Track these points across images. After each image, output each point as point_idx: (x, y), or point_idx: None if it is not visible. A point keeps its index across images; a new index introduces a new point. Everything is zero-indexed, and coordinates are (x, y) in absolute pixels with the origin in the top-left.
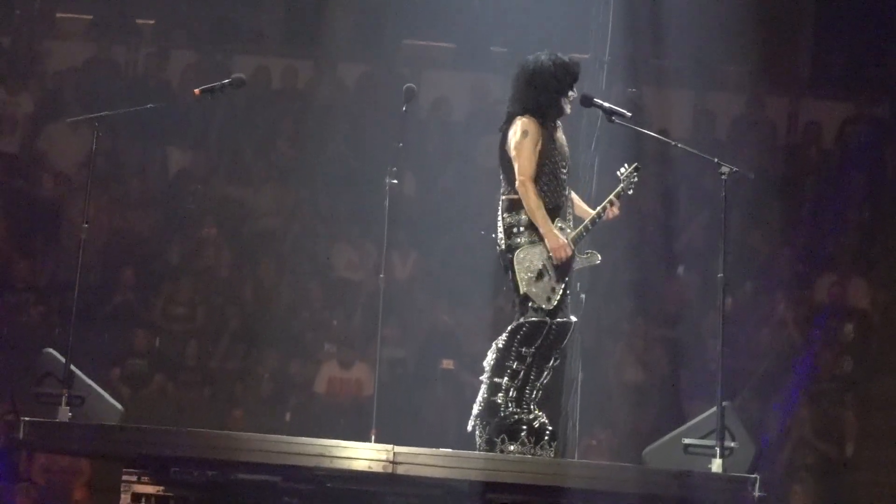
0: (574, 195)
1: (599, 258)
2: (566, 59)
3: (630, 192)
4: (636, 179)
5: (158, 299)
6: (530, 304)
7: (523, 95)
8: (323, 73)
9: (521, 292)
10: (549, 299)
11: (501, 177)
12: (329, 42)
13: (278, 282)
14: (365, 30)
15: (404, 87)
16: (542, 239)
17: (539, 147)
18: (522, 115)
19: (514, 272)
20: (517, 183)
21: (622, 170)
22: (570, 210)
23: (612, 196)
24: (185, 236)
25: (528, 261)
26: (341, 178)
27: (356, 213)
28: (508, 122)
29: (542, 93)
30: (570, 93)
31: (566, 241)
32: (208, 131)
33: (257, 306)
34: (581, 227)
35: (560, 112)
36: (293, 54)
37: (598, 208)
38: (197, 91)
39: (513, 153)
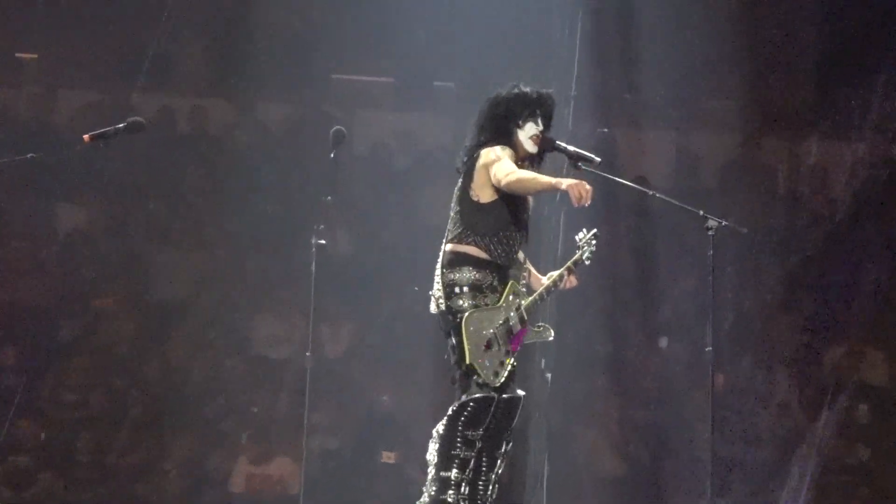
0: (527, 262)
1: (552, 334)
2: (528, 88)
3: (587, 262)
4: (594, 247)
5: (45, 383)
6: (475, 378)
7: (479, 129)
8: (239, 114)
9: (467, 363)
10: (496, 374)
11: (449, 225)
12: (246, 78)
13: (189, 360)
14: (288, 63)
15: (332, 129)
16: (489, 302)
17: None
18: (486, 146)
19: (459, 339)
20: (504, 182)
21: (580, 234)
22: (524, 271)
23: (569, 263)
24: (77, 308)
25: (477, 326)
26: (265, 236)
27: (282, 278)
28: (470, 158)
29: (494, 122)
30: (530, 125)
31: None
32: (104, 184)
33: (164, 389)
34: (535, 294)
35: (507, 143)
36: (203, 92)
37: (555, 275)
38: (87, 137)
39: (492, 171)
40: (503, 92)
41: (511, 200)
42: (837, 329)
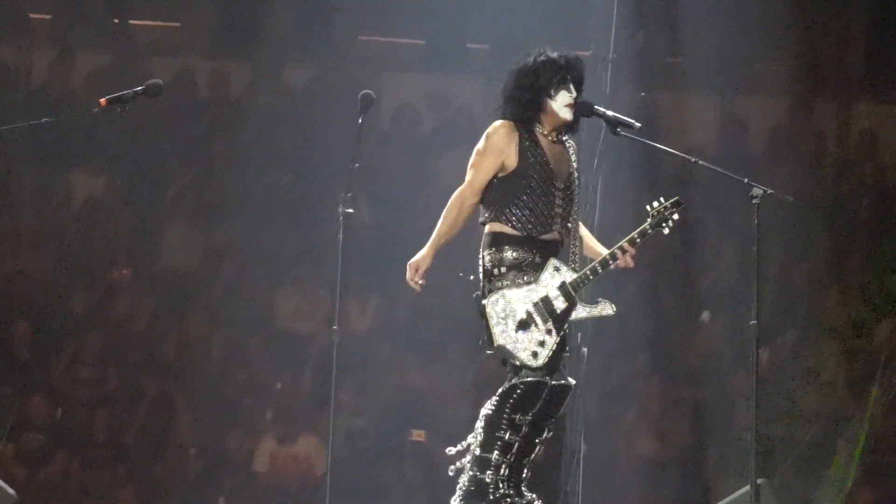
0: (584, 231)
1: (613, 309)
2: (556, 54)
3: (665, 231)
4: (675, 218)
5: (60, 359)
6: (512, 362)
7: (506, 99)
8: (262, 77)
9: (496, 345)
10: (534, 354)
11: (481, 204)
12: (268, 39)
13: (208, 336)
14: (313, 24)
15: (360, 93)
16: (531, 281)
17: (510, 160)
18: (511, 117)
19: (486, 321)
20: (460, 190)
21: (655, 204)
22: (575, 245)
23: (634, 234)
24: (92, 281)
25: (507, 306)
26: (285, 206)
27: (303, 249)
28: None
29: (523, 93)
30: (563, 93)
31: (419, 261)
32: (121, 151)
33: (182, 366)
34: (586, 269)
35: (536, 116)
36: (224, 55)
37: (609, 252)
38: (103, 101)
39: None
40: (529, 59)
41: (528, 168)
42: (888, 301)
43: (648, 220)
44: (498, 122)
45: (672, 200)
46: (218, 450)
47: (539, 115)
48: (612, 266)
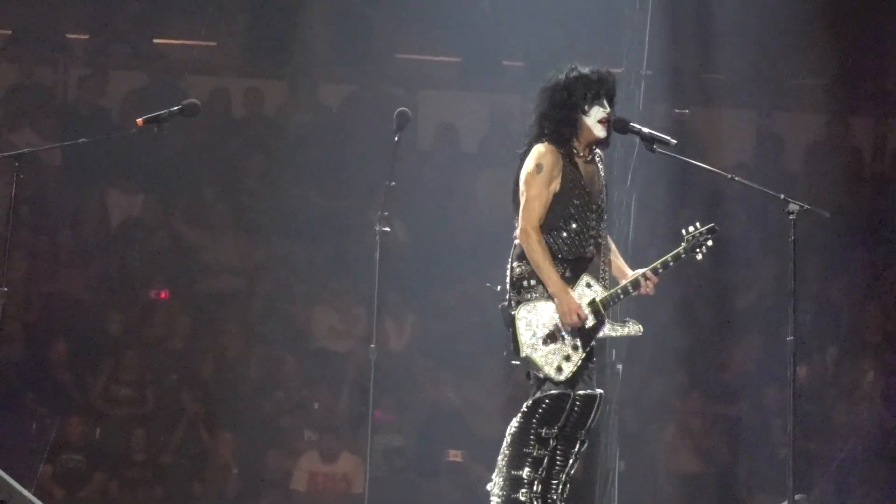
0: (612, 246)
1: (640, 329)
2: (588, 69)
3: (699, 257)
4: (709, 244)
5: (98, 379)
6: (535, 373)
7: (540, 117)
8: (297, 95)
9: (522, 355)
10: (559, 369)
11: (515, 218)
12: (304, 58)
13: (246, 354)
14: (349, 42)
15: (396, 111)
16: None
17: (555, 183)
18: (540, 140)
19: (513, 330)
20: (518, 230)
21: (691, 228)
22: (605, 262)
23: (668, 258)
24: (130, 300)
25: (536, 318)
26: (321, 224)
27: (340, 268)
28: (527, 150)
29: (557, 111)
30: (596, 109)
31: (578, 303)
32: (157, 170)
33: (220, 385)
34: (616, 288)
35: (573, 133)
36: (259, 73)
37: (633, 276)
38: (140, 121)
39: (521, 188)
40: (561, 76)
41: (570, 191)
42: None
43: (683, 244)
44: (542, 148)
45: (707, 227)
46: (256, 469)
47: (575, 132)
48: (631, 293)
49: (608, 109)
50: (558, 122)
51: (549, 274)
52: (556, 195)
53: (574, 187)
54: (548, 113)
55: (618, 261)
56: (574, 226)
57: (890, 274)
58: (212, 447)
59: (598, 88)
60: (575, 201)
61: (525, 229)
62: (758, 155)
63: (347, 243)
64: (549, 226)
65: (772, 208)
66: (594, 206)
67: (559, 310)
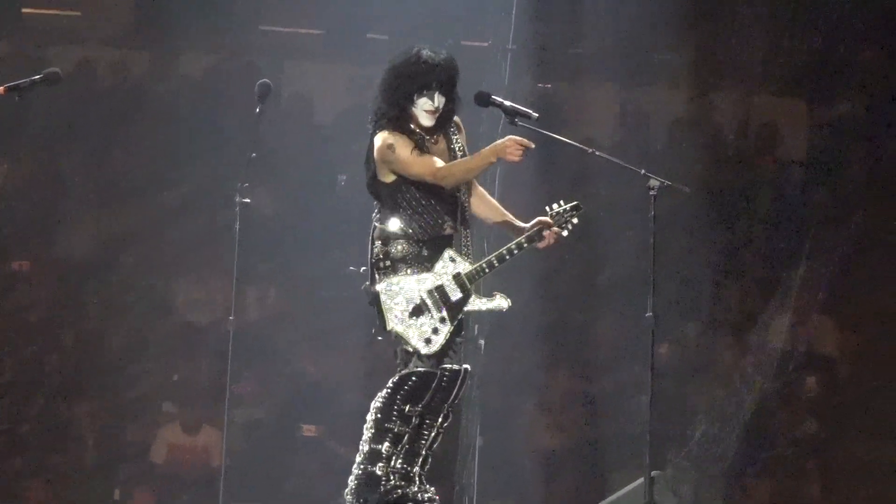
0: (491, 199)
1: (508, 303)
2: (425, 53)
3: (564, 234)
4: (575, 221)
5: None
6: (403, 346)
7: (378, 101)
8: (161, 66)
9: (388, 329)
10: (428, 341)
11: (374, 202)
12: (169, 28)
13: (106, 325)
14: (213, 13)
15: (258, 82)
16: (420, 271)
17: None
18: (378, 129)
19: (379, 307)
20: (434, 181)
21: (555, 206)
22: (468, 238)
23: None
24: None
25: (401, 293)
26: (185, 196)
27: (202, 238)
28: (371, 135)
29: (390, 95)
30: (424, 100)
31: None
32: (20, 140)
33: (80, 355)
34: (482, 262)
35: (406, 119)
36: (124, 43)
37: (505, 248)
38: (1, 89)
39: (399, 169)
40: (400, 58)
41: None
42: (786, 297)
43: (549, 216)
44: (384, 134)
45: (572, 204)
46: (115, 441)
47: (406, 116)
48: (507, 259)
49: (435, 103)
50: (390, 106)
51: (471, 163)
52: (399, 178)
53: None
54: (383, 94)
55: (505, 214)
56: (427, 203)
57: (748, 253)
58: (70, 418)
59: (431, 79)
60: (420, 184)
61: (433, 175)
62: (622, 130)
63: (212, 214)
64: (394, 206)
65: (634, 184)
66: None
67: (505, 153)
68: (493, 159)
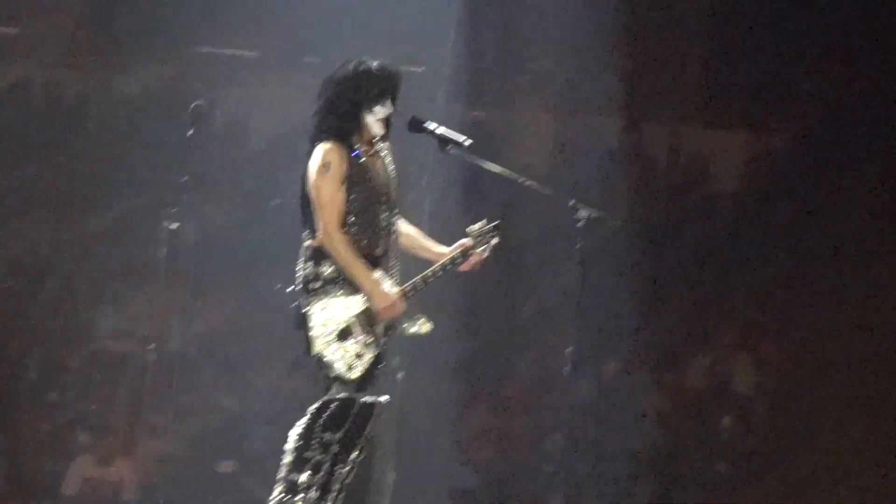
0: (412, 229)
1: (429, 328)
2: (376, 64)
3: (485, 254)
4: (495, 241)
5: None
6: (325, 371)
7: (324, 114)
8: (95, 87)
9: (313, 352)
10: (350, 367)
11: (303, 220)
12: (104, 48)
13: (25, 353)
14: (149, 35)
15: (192, 105)
16: (350, 293)
17: (345, 182)
18: (324, 140)
19: (305, 329)
20: (318, 237)
21: (476, 226)
22: (395, 258)
23: (455, 254)
24: None
25: (328, 315)
26: (111, 219)
27: (128, 264)
28: (311, 147)
29: (342, 105)
30: (379, 108)
31: (397, 296)
32: None
33: None
34: (407, 284)
35: (354, 129)
36: (59, 63)
37: (430, 270)
38: None
39: (312, 194)
40: (349, 68)
41: (355, 187)
42: (707, 332)
43: (469, 240)
44: (327, 145)
45: (493, 224)
46: (27, 472)
47: (356, 128)
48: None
49: (390, 109)
50: (341, 117)
51: (361, 272)
52: (345, 193)
53: (359, 182)
54: (332, 106)
55: (425, 241)
56: (362, 221)
57: (675, 289)
58: None
59: (386, 87)
60: (361, 198)
61: (328, 234)
62: (553, 160)
63: (139, 239)
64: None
65: (564, 214)
66: (383, 199)
67: (380, 306)
68: (372, 297)
